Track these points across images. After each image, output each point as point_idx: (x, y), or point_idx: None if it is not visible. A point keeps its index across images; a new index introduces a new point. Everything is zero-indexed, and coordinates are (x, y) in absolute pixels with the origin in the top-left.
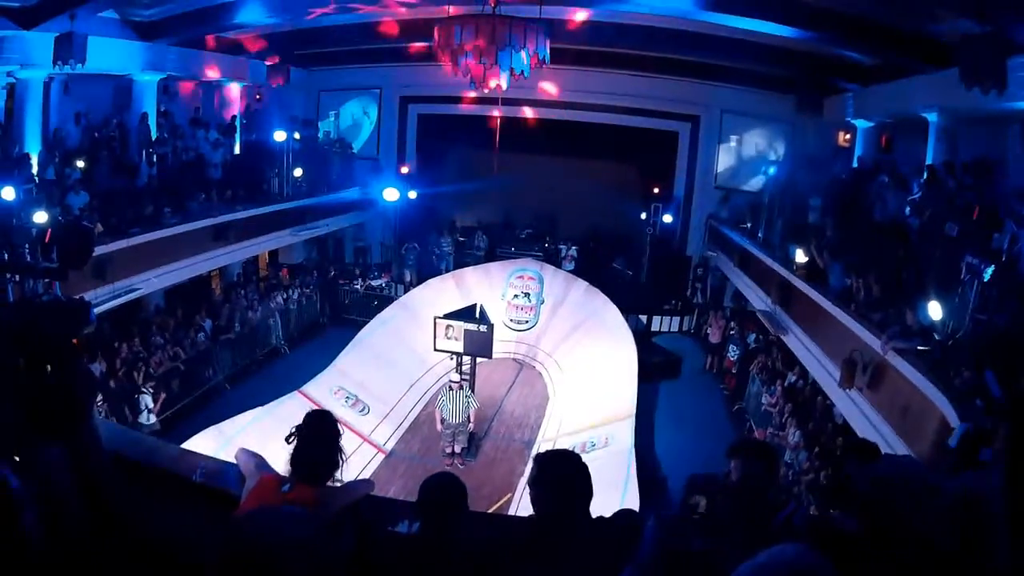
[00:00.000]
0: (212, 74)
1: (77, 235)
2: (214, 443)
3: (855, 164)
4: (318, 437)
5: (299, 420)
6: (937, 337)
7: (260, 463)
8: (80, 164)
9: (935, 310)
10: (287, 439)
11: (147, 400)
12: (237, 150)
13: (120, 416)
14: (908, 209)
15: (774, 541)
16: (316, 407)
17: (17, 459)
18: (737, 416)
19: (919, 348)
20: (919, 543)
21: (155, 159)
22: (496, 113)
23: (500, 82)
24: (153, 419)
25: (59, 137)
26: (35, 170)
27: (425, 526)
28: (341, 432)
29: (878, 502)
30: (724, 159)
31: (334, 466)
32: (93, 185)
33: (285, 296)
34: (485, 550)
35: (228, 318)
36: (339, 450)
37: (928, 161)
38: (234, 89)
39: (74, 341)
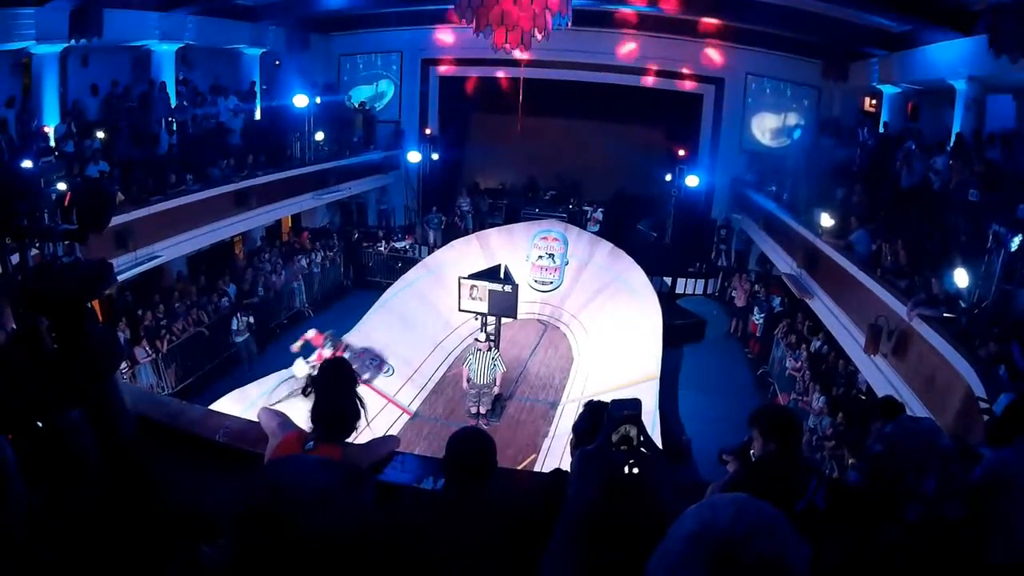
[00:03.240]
0: (230, 41)
1: (96, 196)
2: (239, 406)
3: (881, 130)
4: (334, 387)
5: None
6: (963, 305)
7: (283, 422)
8: (100, 135)
9: (961, 278)
10: (304, 391)
11: (242, 321)
12: (258, 116)
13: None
14: (935, 177)
15: (798, 526)
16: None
17: (40, 424)
18: (761, 380)
19: (945, 316)
20: (920, 504)
21: (175, 127)
22: (519, 75)
23: (523, 44)
24: (245, 336)
25: (78, 109)
26: (53, 143)
27: (451, 482)
28: (358, 380)
29: (883, 459)
30: (749, 122)
31: (355, 417)
32: (113, 155)
33: (308, 260)
34: (513, 506)
35: (252, 283)
36: (358, 398)
37: (955, 130)
38: (254, 56)
39: (93, 303)
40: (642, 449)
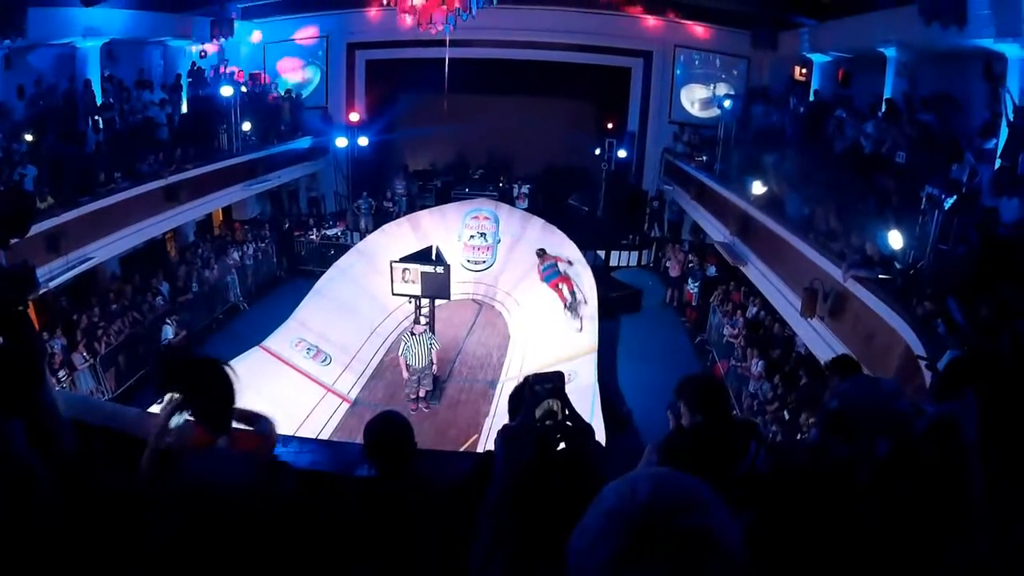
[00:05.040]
0: (155, 34)
1: (16, 201)
2: None
3: (812, 98)
4: (204, 384)
5: (261, 376)
6: (898, 266)
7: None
8: (27, 137)
9: (895, 239)
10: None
11: (168, 330)
12: (184, 108)
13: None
14: (866, 141)
15: (736, 492)
16: (274, 357)
17: None
18: (699, 348)
19: (880, 276)
20: (870, 468)
21: (101, 125)
22: (445, 55)
23: (440, 24)
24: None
25: (3, 112)
26: None
27: (377, 469)
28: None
29: (838, 416)
30: (679, 93)
31: (226, 401)
32: (42, 157)
33: (241, 252)
34: (445, 488)
35: (185, 279)
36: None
37: (886, 96)
38: (179, 48)
39: (26, 307)
40: (567, 423)
